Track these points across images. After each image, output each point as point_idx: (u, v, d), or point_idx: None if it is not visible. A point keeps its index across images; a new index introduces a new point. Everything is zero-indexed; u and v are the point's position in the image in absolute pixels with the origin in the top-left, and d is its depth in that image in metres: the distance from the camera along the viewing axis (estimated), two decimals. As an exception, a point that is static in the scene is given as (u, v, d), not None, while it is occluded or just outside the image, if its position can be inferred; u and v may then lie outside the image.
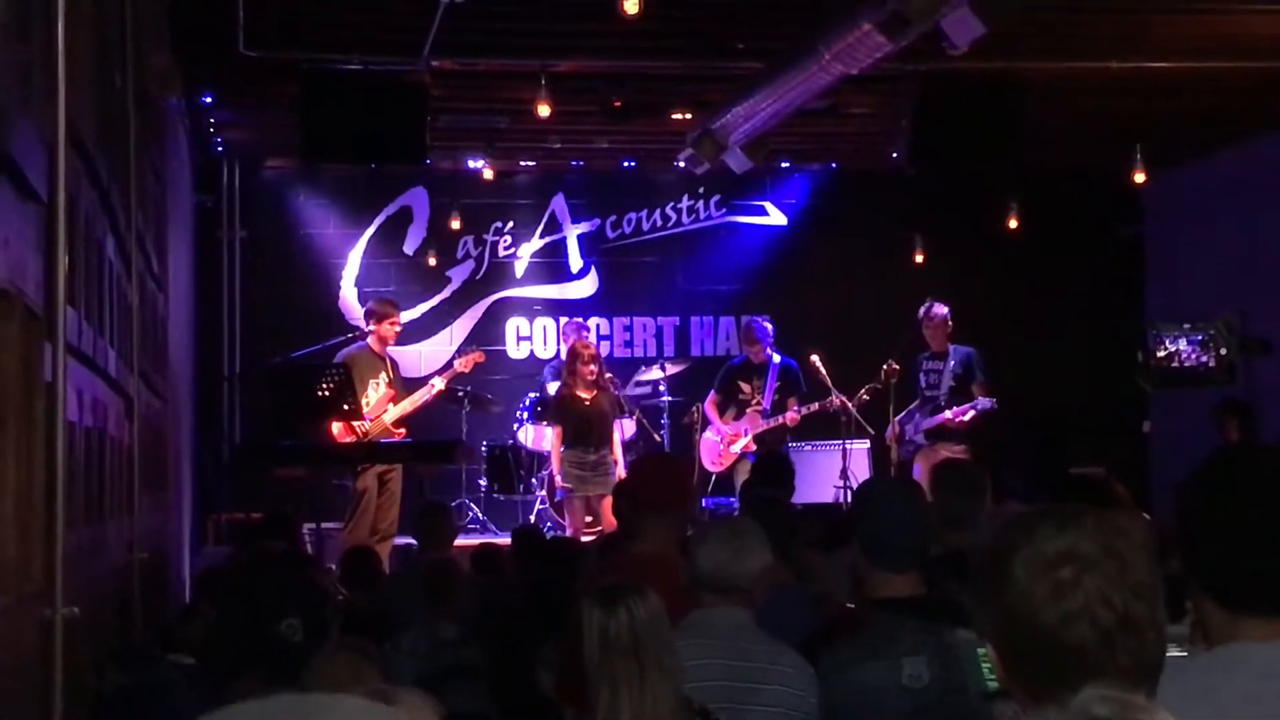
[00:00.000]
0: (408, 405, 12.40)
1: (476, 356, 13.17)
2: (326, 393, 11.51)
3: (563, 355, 14.18)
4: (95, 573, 5.97)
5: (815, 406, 13.16)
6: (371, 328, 12.59)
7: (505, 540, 10.43)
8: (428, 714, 3.18)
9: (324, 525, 11.81)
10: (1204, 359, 13.21)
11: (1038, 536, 2.32)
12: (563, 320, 15.51)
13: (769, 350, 13.47)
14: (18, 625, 3.95)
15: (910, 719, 4.42)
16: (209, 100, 12.69)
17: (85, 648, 5.35)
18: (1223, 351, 13.09)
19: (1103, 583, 2.26)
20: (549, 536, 11.14)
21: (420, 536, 8.94)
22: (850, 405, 13.13)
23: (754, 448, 13.19)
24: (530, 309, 16.04)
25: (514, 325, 16.02)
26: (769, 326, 13.57)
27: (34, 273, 4.19)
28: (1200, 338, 13.21)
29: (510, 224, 16.00)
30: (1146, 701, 1.99)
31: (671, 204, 16.20)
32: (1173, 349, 13.17)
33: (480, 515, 14.10)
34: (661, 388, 14.41)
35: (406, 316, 14.05)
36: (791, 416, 13.13)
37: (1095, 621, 2.25)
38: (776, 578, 5.64)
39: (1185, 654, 3.10)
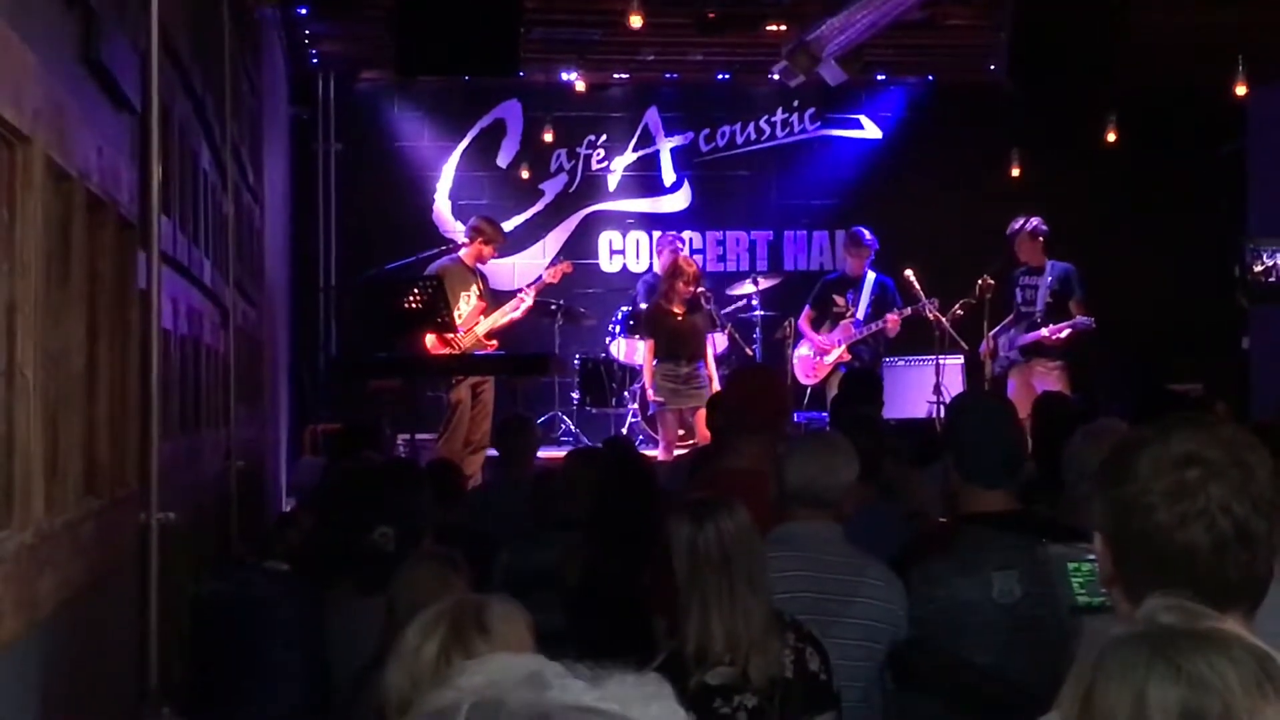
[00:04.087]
0: (499, 318, 12.42)
1: (565, 267, 13.17)
2: (420, 305, 11.55)
3: (656, 269, 14.14)
4: (192, 480, 6.04)
5: (909, 311, 13.06)
6: (469, 242, 12.58)
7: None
8: (517, 623, 3.19)
9: (418, 437, 11.89)
10: (1301, 273, 12.96)
11: (1170, 437, 2.32)
12: (655, 234, 15.46)
13: (869, 262, 13.37)
14: (113, 529, 4.01)
15: (1001, 634, 4.41)
16: (304, 12, 12.70)
17: (183, 554, 5.43)
18: (1321, 266, 12.83)
19: (1226, 491, 2.26)
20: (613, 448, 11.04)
21: (502, 449, 8.97)
22: (944, 320, 13.02)
23: (848, 358, 13.13)
24: (623, 223, 16.01)
25: (606, 239, 16.00)
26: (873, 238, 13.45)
27: (128, 182, 4.21)
28: (1298, 252, 12.95)
29: (603, 137, 15.96)
30: (1212, 611, 1.97)
31: (765, 117, 16.08)
32: (1270, 264, 12.91)
33: (573, 428, 14.13)
34: (754, 302, 14.36)
35: (498, 229, 14.03)
36: (893, 319, 13.01)
37: (1212, 527, 2.25)
38: (862, 494, 5.62)
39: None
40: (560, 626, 5.20)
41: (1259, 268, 12.93)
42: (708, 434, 8.87)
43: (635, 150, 16.02)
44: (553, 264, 13.60)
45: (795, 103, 15.90)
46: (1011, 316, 12.92)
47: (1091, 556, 4.05)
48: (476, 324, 12.27)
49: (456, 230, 14.69)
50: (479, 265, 12.61)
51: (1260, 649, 1.79)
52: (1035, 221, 12.77)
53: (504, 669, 1.63)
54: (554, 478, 7.15)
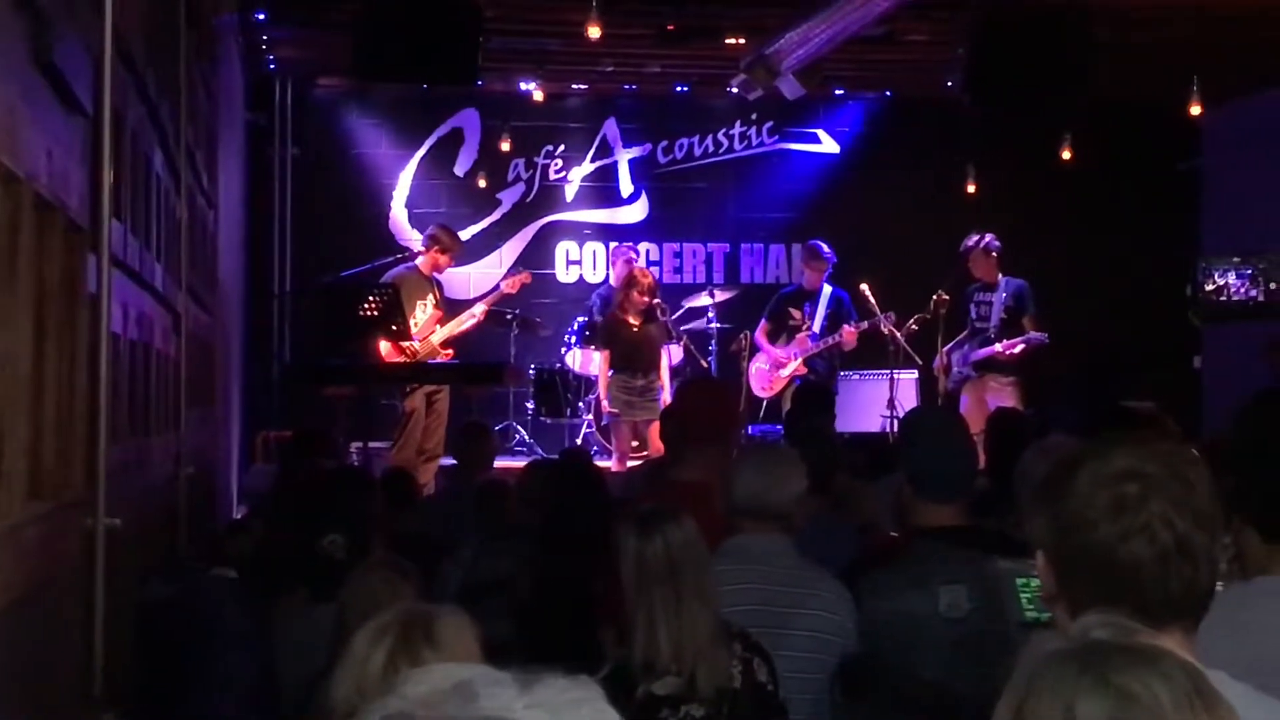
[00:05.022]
0: (455, 327, 12.40)
1: (523, 278, 13.15)
2: (375, 312, 11.52)
3: (612, 280, 14.15)
4: (140, 485, 6.00)
5: (866, 325, 13.08)
6: (426, 250, 12.55)
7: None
8: (465, 633, 3.19)
9: (371, 444, 11.86)
10: (1253, 293, 13.06)
11: (1109, 453, 2.33)
12: (612, 245, 15.45)
13: (827, 276, 13.37)
14: (58, 533, 3.97)
15: (949, 648, 4.42)
16: (262, 17, 12.65)
17: (130, 559, 5.39)
18: (1272, 286, 12.92)
19: (1167, 505, 2.27)
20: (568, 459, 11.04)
21: (460, 456, 8.97)
22: (899, 335, 13.06)
23: (804, 371, 13.14)
24: (580, 233, 16.01)
25: (563, 249, 15.99)
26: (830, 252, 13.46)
27: (78, 185, 4.19)
28: (1250, 271, 13.05)
29: (561, 147, 15.95)
30: (1146, 627, 1.99)
31: (724, 130, 16.11)
32: (1222, 283, 13.01)
33: (527, 438, 14.12)
34: (710, 314, 14.36)
35: (455, 238, 13.98)
36: (849, 333, 13.01)
37: (1154, 541, 2.26)
38: (814, 506, 5.63)
39: (1220, 585, 3.10)
40: (510, 636, 5.18)
41: (1210, 287, 13.02)
42: (660, 446, 8.88)
43: (593, 161, 16.02)
44: (510, 274, 13.59)
45: (753, 116, 15.93)
46: (966, 332, 12.97)
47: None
48: (432, 333, 12.24)
49: (413, 238, 14.66)
50: (435, 274, 12.58)
51: (1191, 665, 1.80)
52: (989, 238, 12.82)
53: (446, 679, 1.62)
54: (502, 488, 7.15)
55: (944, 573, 4.48)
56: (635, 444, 12.44)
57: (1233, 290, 13.07)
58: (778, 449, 5.43)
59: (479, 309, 12.71)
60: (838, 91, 15.62)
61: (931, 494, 4.79)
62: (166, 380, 7.00)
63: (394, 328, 11.61)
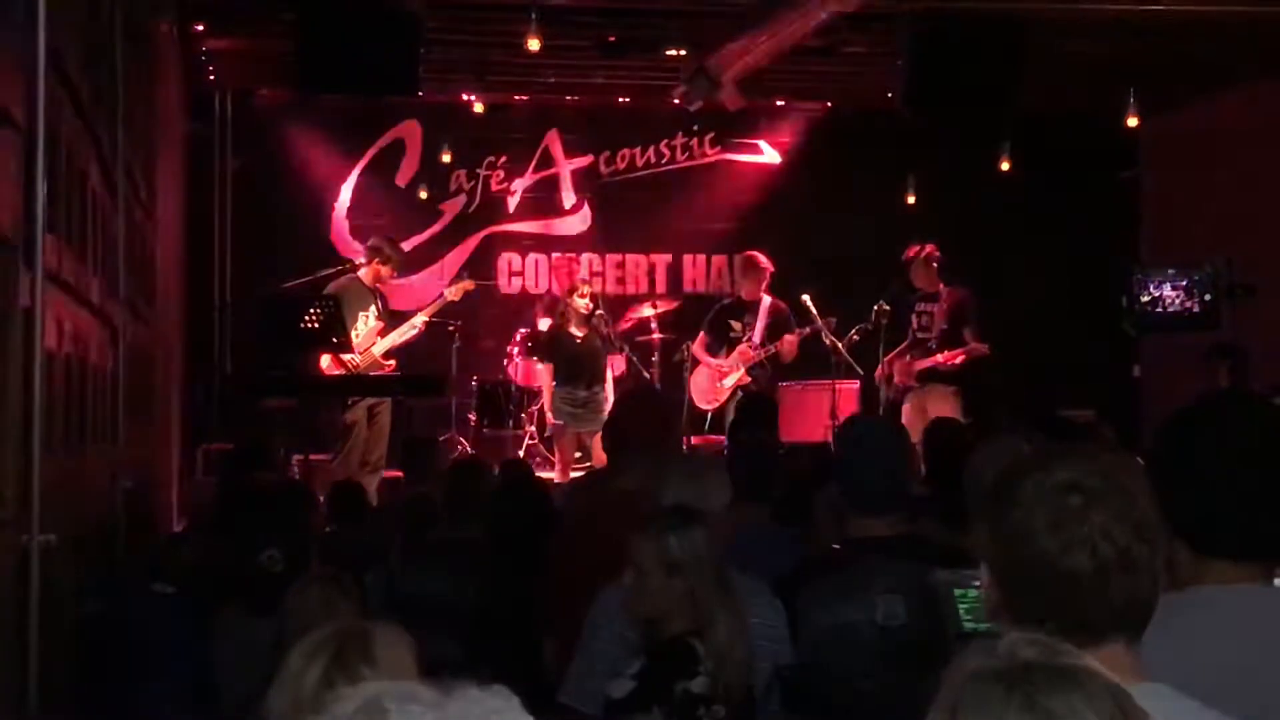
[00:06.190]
0: (396, 338, 12.34)
1: (466, 285, 13.08)
2: (316, 324, 11.45)
3: (555, 291, 14.14)
4: (76, 501, 5.96)
5: (807, 331, 13.05)
6: (368, 262, 12.50)
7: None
8: (402, 650, 3.18)
9: (313, 457, 11.80)
10: (1188, 304, 13.11)
11: (1050, 465, 2.34)
12: (555, 256, 15.44)
13: (765, 286, 13.37)
14: (-9, 551, 3.96)
15: (887, 658, 4.43)
16: (201, 28, 12.59)
17: (66, 575, 5.35)
18: (1207, 297, 12.99)
19: (1108, 517, 2.27)
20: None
21: (406, 469, 8.96)
22: (840, 345, 13.07)
23: (747, 381, 13.15)
24: (522, 244, 15.98)
25: (506, 260, 15.95)
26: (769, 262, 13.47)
27: (10, 200, 4.16)
28: (1185, 282, 13.10)
29: (504, 158, 15.93)
30: (1071, 647, 2.00)
31: (665, 141, 16.12)
32: (1156, 293, 13.05)
33: (469, 450, 14.06)
34: (653, 325, 14.35)
35: (397, 249, 13.91)
36: (789, 340, 13.00)
37: (1095, 553, 2.27)
38: (755, 516, 5.65)
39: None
40: (447, 651, 5.17)
41: (1146, 298, 13.07)
42: (604, 457, 8.88)
43: (535, 172, 16.00)
44: (454, 281, 13.53)
45: (695, 127, 15.94)
46: (907, 342, 13.00)
47: (977, 583, 4.08)
48: (374, 344, 12.19)
49: (354, 249, 14.60)
50: (378, 285, 12.53)
51: (1116, 685, 1.81)
52: (930, 248, 12.86)
53: (363, 698, 1.61)
54: (429, 502, 7.13)
55: (880, 583, 4.49)
56: (579, 455, 12.44)
57: (1167, 301, 13.11)
58: (704, 458, 5.46)
59: (420, 319, 12.65)
60: (779, 102, 15.66)
61: (862, 506, 4.82)
62: (103, 394, 6.96)
63: (335, 340, 11.54)
